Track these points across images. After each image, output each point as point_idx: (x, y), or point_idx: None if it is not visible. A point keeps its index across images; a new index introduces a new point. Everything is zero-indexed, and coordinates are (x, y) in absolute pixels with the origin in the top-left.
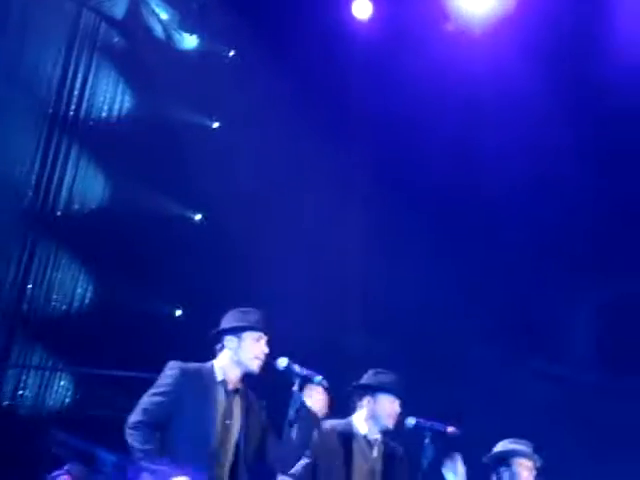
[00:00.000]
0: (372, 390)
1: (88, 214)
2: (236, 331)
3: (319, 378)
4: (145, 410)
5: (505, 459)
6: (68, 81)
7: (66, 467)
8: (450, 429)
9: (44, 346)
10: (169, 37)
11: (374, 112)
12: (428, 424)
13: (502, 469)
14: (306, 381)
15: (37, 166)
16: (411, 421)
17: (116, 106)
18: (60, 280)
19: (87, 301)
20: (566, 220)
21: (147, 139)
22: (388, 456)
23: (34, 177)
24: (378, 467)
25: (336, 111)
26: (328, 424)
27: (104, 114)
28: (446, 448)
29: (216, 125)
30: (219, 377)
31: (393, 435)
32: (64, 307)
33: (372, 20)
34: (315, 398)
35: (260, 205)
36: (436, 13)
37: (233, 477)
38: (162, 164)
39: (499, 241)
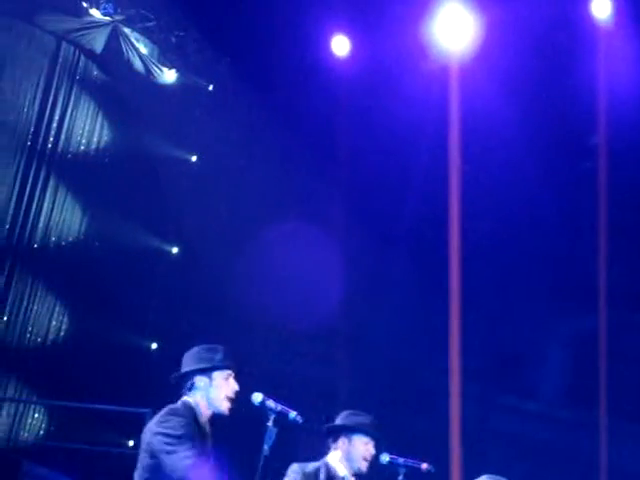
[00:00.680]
0: (347, 431)
1: (65, 247)
2: (205, 371)
3: (294, 414)
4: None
5: None
6: (47, 114)
7: None
8: (424, 465)
9: (19, 378)
10: (148, 71)
11: (352, 146)
12: (402, 460)
13: None
14: (281, 417)
15: (14, 198)
16: (385, 457)
17: (94, 139)
18: (36, 312)
19: (62, 334)
20: (538, 257)
21: (125, 172)
22: None
23: (11, 209)
24: None
25: (314, 145)
26: (310, 466)
27: (82, 147)
28: None
29: (194, 158)
30: (198, 416)
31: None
32: (39, 339)
33: (350, 57)
34: None
35: (237, 238)
36: (413, 50)
37: None
38: (140, 197)
39: (472, 277)
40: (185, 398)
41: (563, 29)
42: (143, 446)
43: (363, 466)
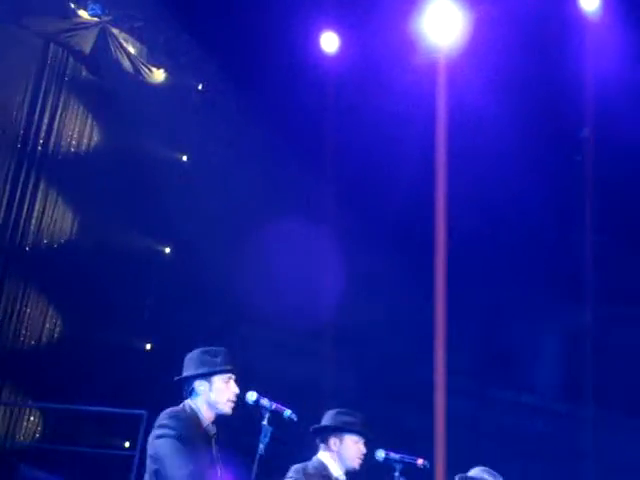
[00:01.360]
0: (337, 431)
1: (57, 248)
2: (205, 376)
3: (288, 412)
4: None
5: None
6: (36, 115)
7: None
8: (420, 461)
9: (13, 381)
10: (137, 71)
11: (340, 142)
12: (398, 456)
13: None
14: (275, 415)
15: (5, 201)
16: (380, 454)
17: (84, 140)
18: (29, 315)
19: (56, 335)
20: (529, 251)
21: (116, 173)
22: None
23: (2, 212)
24: None
25: (303, 142)
26: (310, 467)
27: (72, 148)
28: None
29: (185, 158)
30: (203, 422)
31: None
32: (33, 342)
33: (339, 53)
34: None
35: (229, 237)
36: (402, 45)
37: None
38: (131, 198)
39: (467, 271)
40: (188, 401)
41: (551, 23)
42: (149, 451)
43: (356, 464)
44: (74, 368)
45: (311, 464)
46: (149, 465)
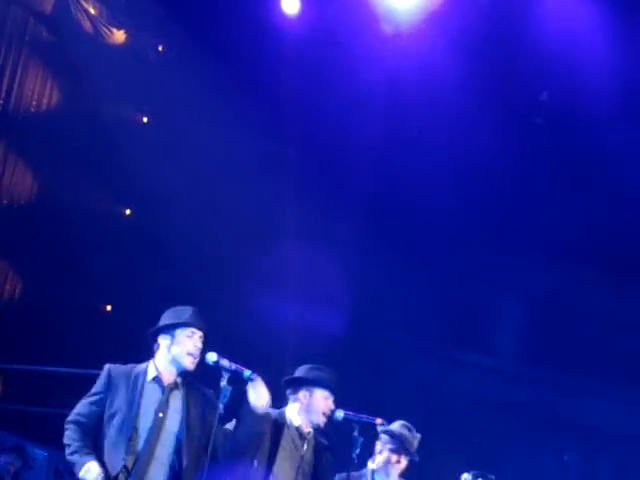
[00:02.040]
0: (308, 384)
1: (16, 209)
2: (169, 329)
3: (248, 373)
4: (77, 412)
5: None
6: None
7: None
8: (379, 420)
9: None
10: (97, 32)
11: (302, 106)
12: (356, 417)
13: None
14: (236, 376)
15: None
16: (340, 414)
17: (45, 101)
18: None
19: (16, 297)
20: (492, 214)
21: (76, 134)
22: (318, 450)
23: None
24: (308, 458)
25: (265, 104)
26: (272, 412)
27: (33, 109)
28: (374, 439)
29: (145, 119)
30: (151, 375)
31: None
32: None
33: (300, 16)
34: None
35: (190, 199)
36: (364, 10)
37: (178, 468)
38: (92, 159)
39: (426, 234)
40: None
41: None
42: None
43: (321, 421)
44: (34, 329)
45: (274, 411)
46: None
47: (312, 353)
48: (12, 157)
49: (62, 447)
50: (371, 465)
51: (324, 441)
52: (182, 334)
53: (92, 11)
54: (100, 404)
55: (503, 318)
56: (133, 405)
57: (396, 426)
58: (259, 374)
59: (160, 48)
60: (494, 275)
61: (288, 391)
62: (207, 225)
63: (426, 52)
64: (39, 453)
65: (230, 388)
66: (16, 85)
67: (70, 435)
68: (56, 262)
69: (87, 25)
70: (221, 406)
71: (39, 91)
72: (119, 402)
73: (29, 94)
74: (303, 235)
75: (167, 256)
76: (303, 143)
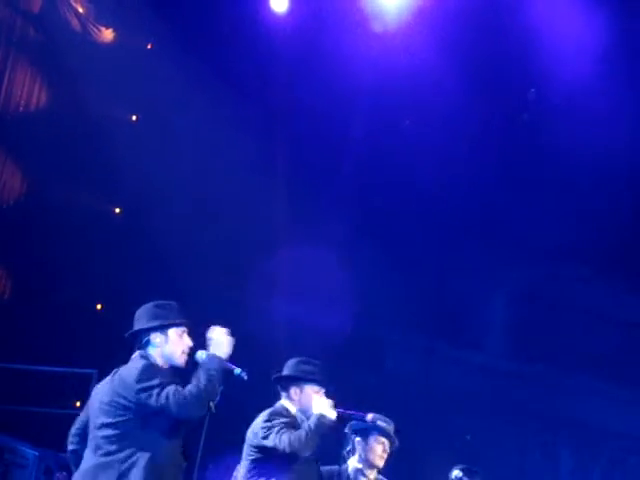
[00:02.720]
0: (298, 381)
1: (6, 209)
2: (162, 328)
3: (238, 370)
4: None
5: (365, 430)
6: None
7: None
8: (370, 416)
9: None
10: (86, 30)
11: (291, 102)
12: (347, 413)
13: (358, 440)
14: (226, 373)
15: None
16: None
17: (33, 100)
18: None
19: (6, 296)
20: (479, 211)
21: (66, 133)
22: None
23: None
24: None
25: (254, 100)
26: (278, 408)
27: (21, 108)
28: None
29: (134, 118)
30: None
31: None
32: None
33: (289, 14)
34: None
35: (180, 197)
36: (352, 8)
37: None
38: (81, 158)
39: (413, 231)
40: (141, 352)
41: None
42: None
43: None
44: (25, 328)
45: (277, 408)
46: None
47: (305, 350)
48: (1, 157)
49: (52, 446)
50: (353, 462)
51: None
52: (175, 334)
53: (80, 10)
54: None
55: (492, 315)
56: None
57: (372, 417)
58: (248, 372)
59: (149, 47)
60: (484, 272)
61: (279, 388)
62: (197, 223)
63: (414, 50)
64: (30, 453)
65: (221, 387)
66: (5, 84)
67: None
68: (45, 261)
69: (75, 24)
70: (211, 404)
71: (28, 90)
72: None
73: (18, 93)
74: (293, 233)
75: (157, 255)
76: (291, 140)
